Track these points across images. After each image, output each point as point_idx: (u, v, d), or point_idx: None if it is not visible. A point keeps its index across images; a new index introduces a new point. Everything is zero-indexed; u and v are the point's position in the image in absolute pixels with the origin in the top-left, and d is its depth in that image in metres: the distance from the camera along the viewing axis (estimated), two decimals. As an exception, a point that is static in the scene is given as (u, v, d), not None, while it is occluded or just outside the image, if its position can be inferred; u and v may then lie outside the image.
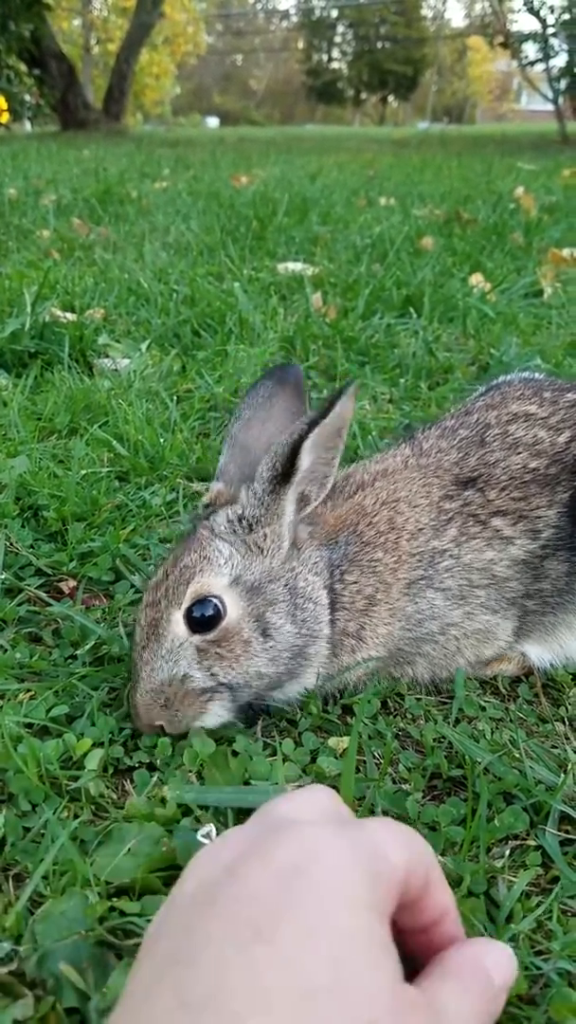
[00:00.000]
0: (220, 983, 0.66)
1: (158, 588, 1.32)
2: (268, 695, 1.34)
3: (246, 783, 1.20)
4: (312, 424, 1.25)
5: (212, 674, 1.27)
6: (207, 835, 1.00)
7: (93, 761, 1.22)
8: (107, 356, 2.99)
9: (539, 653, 1.51)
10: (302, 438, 1.26)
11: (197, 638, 1.28)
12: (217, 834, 1.00)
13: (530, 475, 1.46)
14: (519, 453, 1.49)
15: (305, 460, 1.29)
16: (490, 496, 1.44)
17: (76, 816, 1.15)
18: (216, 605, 1.28)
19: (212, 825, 1.03)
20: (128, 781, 1.23)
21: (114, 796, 1.21)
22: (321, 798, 0.85)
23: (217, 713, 1.30)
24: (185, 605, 1.28)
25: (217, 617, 1.27)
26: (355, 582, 1.39)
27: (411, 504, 1.44)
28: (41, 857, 1.05)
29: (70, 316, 3.22)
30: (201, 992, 0.66)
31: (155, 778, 1.22)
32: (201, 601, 1.27)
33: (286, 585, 1.33)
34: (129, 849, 1.05)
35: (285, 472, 1.29)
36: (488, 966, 0.80)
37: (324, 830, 0.76)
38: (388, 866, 0.75)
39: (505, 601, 1.44)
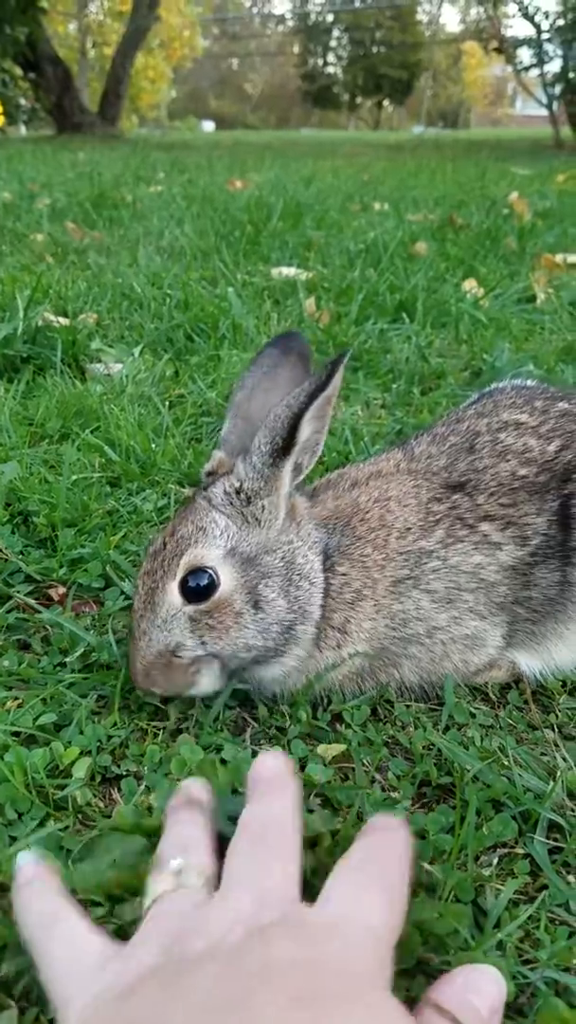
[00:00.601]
0: None
1: (156, 557, 1.34)
2: (253, 667, 1.36)
3: (235, 791, 1.20)
4: (312, 396, 1.25)
5: (203, 643, 1.30)
6: (176, 869, 0.94)
7: (80, 770, 1.22)
8: (100, 361, 2.99)
9: (528, 661, 1.50)
10: (303, 410, 1.26)
11: (190, 608, 1.30)
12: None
13: (519, 482, 1.46)
14: (508, 460, 1.49)
15: (305, 431, 1.30)
16: (478, 501, 1.45)
17: (65, 826, 1.14)
18: (210, 576, 1.30)
19: (182, 859, 1.01)
20: (116, 790, 1.23)
21: (101, 805, 1.20)
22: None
23: (207, 680, 1.34)
24: (179, 576, 1.30)
25: (211, 588, 1.30)
26: (345, 574, 1.39)
27: (401, 504, 1.45)
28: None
29: (63, 320, 3.21)
30: None
31: (143, 786, 1.21)
32: (195, 572, 1.30)
33: (283, 558, 1.34)
34: (114, 860, 1.04)
35: (285, 445, 1.30)
36: (470, 996, 0.81)
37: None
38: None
39: (494, 607, 1.44)
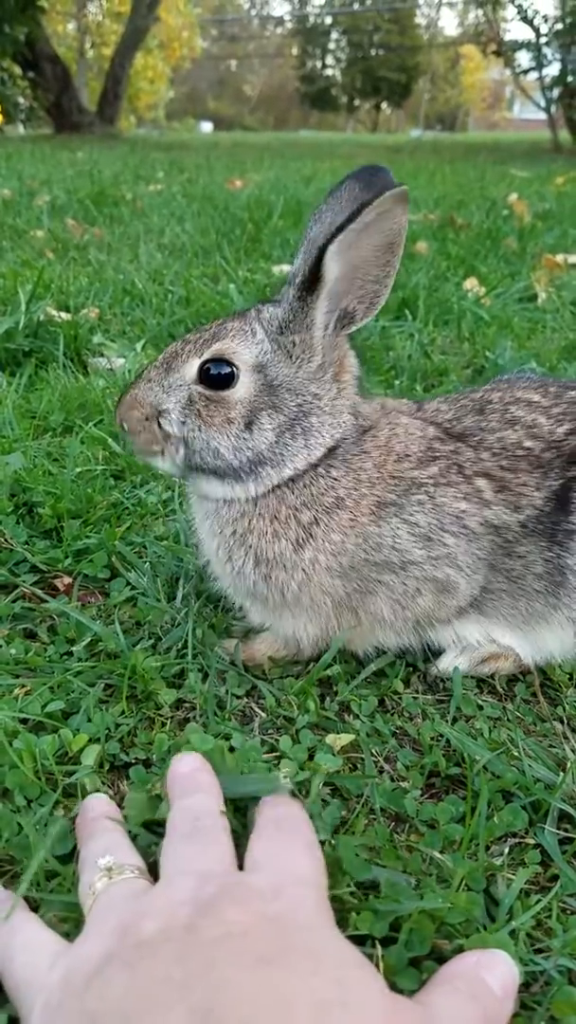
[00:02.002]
0: (239, 995, 0.68)
1: (199, 332, 1.38)
2: (204, 477, 1.37)
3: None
4: (338, 229, 1.22)
5: (184, 423, 1.33)
6: (107, 865, 0.96)
7: (89, 757, 1.21)
8: (102, 355, 2.99)
9: (522, 647, 1.50)
10: (328, 242, 1.23)
11: (198, 388, 1.33)
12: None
13: (523, 452, 1.46)
14: (516, 430, 1.48)
15: (332, 268, 1.26)
16: (481, 455, 1.44)
17: (71, 813, 1.14)
18: (233, 373, 1.32)
19: (110, 856, 0.98)
20: (124, 777, 1.22)
21: (110, 792, 1.20)
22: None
23: (167, 463, 1.38)
24: (206, 356, 1.33)
25: (226, 383, 1.32)
26: (335, 479, 1.38)
27: (407, 432, 1.45)
28: (39, 851, 1.04)
29: (65, 315, 3.21)
30: (220, 1004, 0.68)
31: (152, 773, 1.21)
32: (220, 362, 1.32)
33: (299, 405, 1.35)
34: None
35: (312, 279, 1.28)
36: (482, 972, 0.82)
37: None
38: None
39: (473, 560, 1.42)
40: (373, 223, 1.24)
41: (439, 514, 1.39)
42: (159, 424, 1.35)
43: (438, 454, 1.43)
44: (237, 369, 1.32)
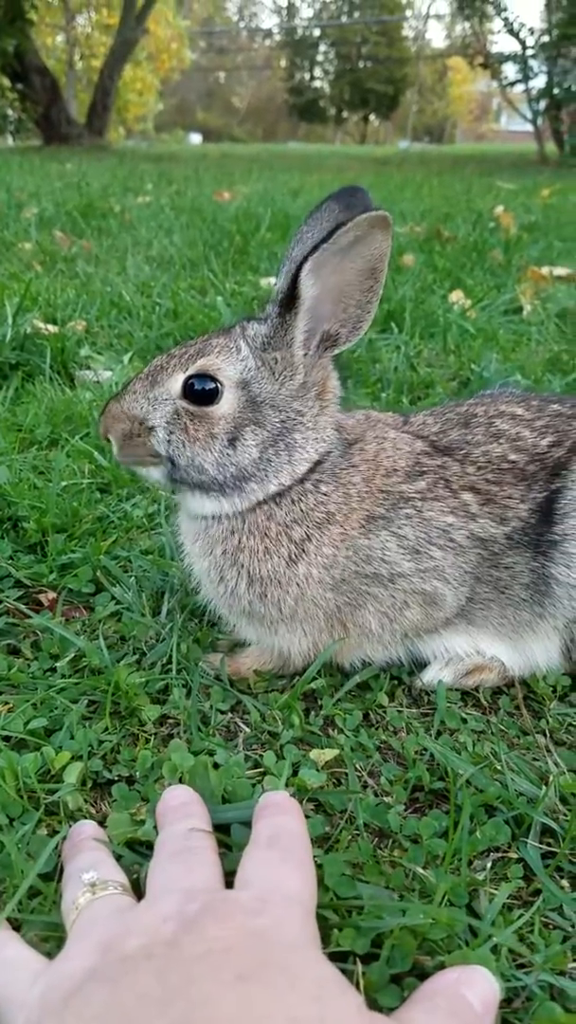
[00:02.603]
0: (217, 1012, 0.69)
1: (184, 347, 1.40)
2: (190, 492, 1.39)
3: (224, 798, 1.19)
4: (313, 248, 1.24)
5: (169, 441, 1.35)
6: (91, 881, 0.97)
7: (72, 774, 1.21)
8: (88, 368, 2.99)
9: (508, 655, 1.51)
10: (302, 263, 1.26)
11: (183, 403, 1.35)
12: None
13: (508, 465, 1.47)
14: (500, 443, 1.50)
15: (307, 288, 1.28)
16: (467, 469, 1.46)
17: (54, 832, 1.13)
18: (217, 388, 1.33)
19: (94, 872, 0.99)
20: (108, 795, 1.22)
21: (92, 810, 1.19)
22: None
23: (156, 475, 1.40)
24: (191, 371, 1.34)
25: (211, 398, 1.33)
26: (325, 494, 1.39)
27: (396, 447, 1.47)
28: (21, 871, 1.04)
29: (52, 328, 3.21)
30: (198, 1021, 0.68)
31: (135, 791, 1.21)
32: (205, 377, 1.33)
33: (282, 421, 1.36)
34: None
35: (289, 297, 1.30)
36: (462, 989, 0.83)
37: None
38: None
39: (460, 574, 1.43)
40: (353, 247, 1.25)
41: (427, 528, 1.41)
42: (147, 441, 1.36)
43: (425, 468, 1.45)
44: (221, 385, 1.33)
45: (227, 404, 1.34)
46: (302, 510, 1.38)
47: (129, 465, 1.43)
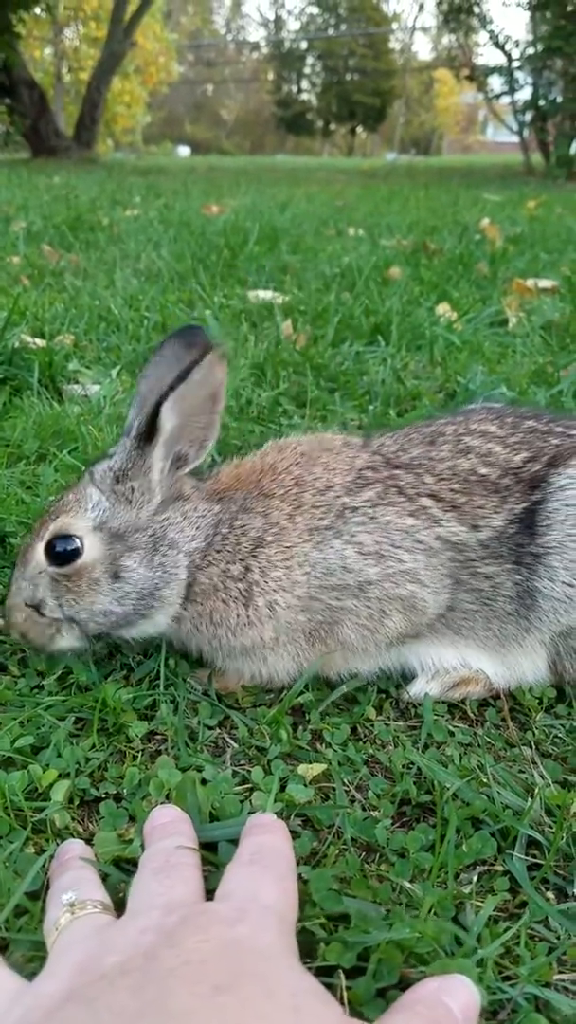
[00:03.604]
0: None
1: (39, 520, 1.46)
2: (118, 631, 1.44)
3: (212, 814, 1.19)
4: (172, 386, 1.35)
5: (60, 605, 1.40)
6: (70, 901, 0.97)
7: (59, 792, 1.21)
8: (77, 382, 2.99)
9: (495, 669, 1.52)
10: (162, 399, 1.35)
11: (53, 570, 1.40)
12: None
13: (477, 478, 1.49)
14: (468, 458, 1.52)
15: (167, 421, 1.38)
16: (425, 480, 1.49)
17: (41, 850, 1.14)
18: (76, 544, 1.39)
19: (73, 893, 0.99)
20: (95, 812, 1.22)
21: (80, 828, 1.19)
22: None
23: (68, 640, 1.44)
24: (47, 538, 1.41)
25: (75, 555, 1.39)
26: (243, 525, 1.45)
27: (327, 468, 1.51)
28: (8, 889, 1.04)
29: (40, 342, 3.21)
30: None
31: (122, 808, 1.21)
32: (62, 537, 1.39)
33: (152, 535, 1.43)
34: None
35: (148, 430, 1.38)
36: (443, 997, 0.83)
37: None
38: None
39: (435, 575, 1.45)
40: (199, 379, 1.35)
41: (386, 532, 1.43)
42: (41, 614, 1.42)
43: (370, 480, 1.48)
44: (79, 538, 1.39)
45: (92, 551, 1.40)
46: (229, 550, 1.44)
47: (40, 648, 1.46)
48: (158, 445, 1.40)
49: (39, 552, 1.41)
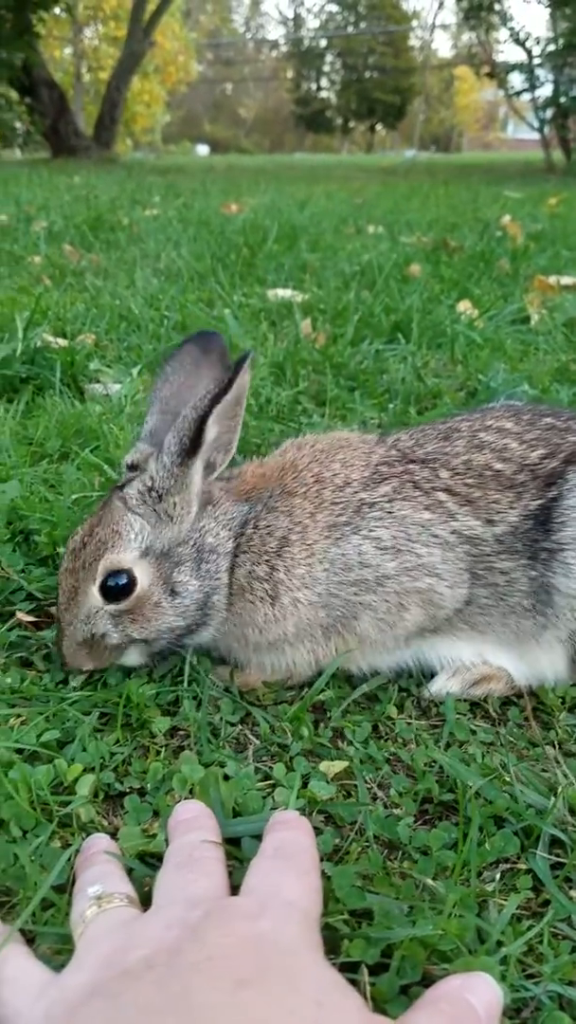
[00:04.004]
0: (216, 1020, 0.70)
1: (76, 556, 1.42)
2: (180, 642, 1.46)
3: (235, 810, 1.20)
4: (215, 399, 1.34)
5: (126, 634, 1.40)
6: (97, 894, 0.98)
7: (84, 787, 1.22)
8: (98, 381, 3.01)
9: (515, 665, 1.52)
10: (207, 413, 1.34)
11: (111, 607, 1.39)
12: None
13: (492, 473, 1.49)
14: (484, 453, 1.52)
15: (211, 433, 1.38)
16: (440, 474, 1.49)
17: (67, 844, 1.15)
18: (128, 576, 1.38)
19: (100, 886, 1.00)
20: (119, 807, 1.23)
21: (104, 823, 1.21)
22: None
23: (134, 657, 1.45)
24: (99, 580, 1.38)
25: (130, 587, 1.39)
26: (268, 525, 1.45)
27: (345, 464, 1.52)
28: (34, 883, 1.05)
29: (61, 342, 3.23)
30: None
31: (146, 803, 1.22)
32: (113, 574, 1.38)
33: (194, 545, 1.43)
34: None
35: (192, 445, 1.37)
36: (466, 994, 0.83)
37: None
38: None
39: (452, 566, 1.45)
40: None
41: (403, 526, 1.44)
42: (107, 642, 1.41)
43: (386, 475, 1.49)
44: (130, 571, 1.39)
45: (146, 577, 1.40)
46: (256, 552, 1.44)
47: (112, 665, 1.47)
48: (199, 458, 1.39)
49: (94, 594, 1.39)
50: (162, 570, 1.40)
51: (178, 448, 1.38)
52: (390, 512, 1.44)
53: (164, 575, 1.40)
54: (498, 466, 1.50)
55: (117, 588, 1.38)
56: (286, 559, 1.43)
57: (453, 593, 1.46)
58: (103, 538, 1.40)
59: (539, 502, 1.47)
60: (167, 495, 1.41)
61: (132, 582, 1.38)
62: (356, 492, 1.46)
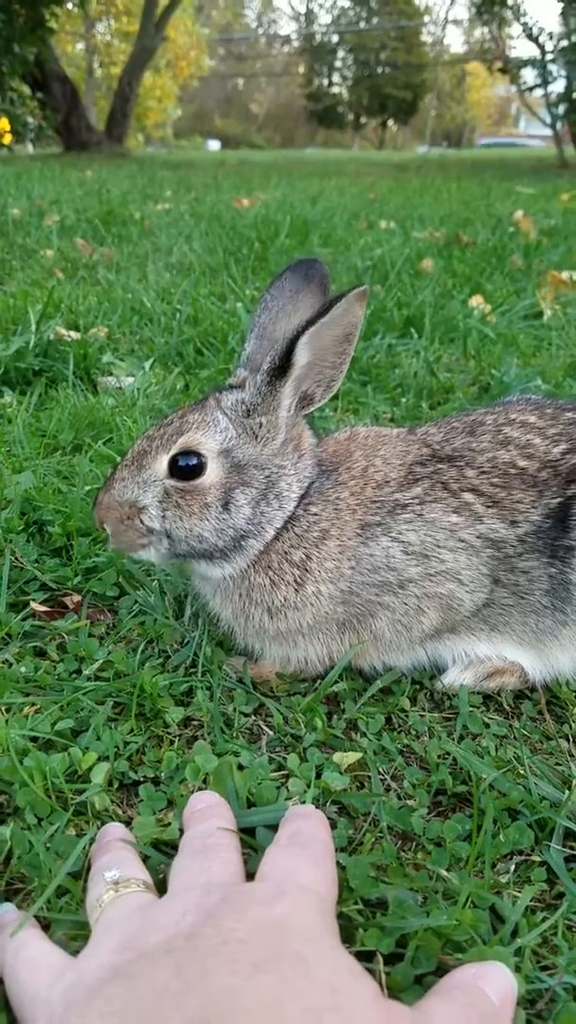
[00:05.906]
0: (233, 1004, 0.70)
1: (161, 427, 1.43)
2: (195, 560, 1.44)
3: (249, 800, 1.20)
4: (308, 323, 1.31)
5: (164, 517, 1.39)
6: (114, 879, 0.99)
7: (99, 775, 1.22)
8: (111, 374, 3.02)
9: (532, 663, 1.51)
10: (297, 336, 1.32)
11: (171, 482, 1.39)
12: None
13: (516, 471, 1.48)
14: (508, 450, 1.51)
15: (301, 357, 1.35)
16: (467, 474, 1.48)
17: (81, 832, 1.15)
18: (201, 462, 1.39)
19: (117, 871, 1.00)
20: (134, 795, 1.24)
21: (119, 811, 1.21)
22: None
23: (153, 554, 1.44)
24: (173, 452, 1.39)
25: (196, 472, 1.39)
26: (316, 514, 1.44)
27: (386, 461, 1.51)
28: (49, 870, 1.06)
29: (74, 335, 3.24)
30: (214, 1014, 0.69)
31: (160, 791, 1.22)
32: (188, 453, 1.38)
33: (267, 477, 1.42)
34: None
35: (282, 366, 1.36)
36: (480, 983, 0.84)
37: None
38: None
39: (475, 572, 1.45)
40: (337, 316, 1.32)
41: (432, 530, 1.43)
42: (140, 520, 1.40)
43: (419, 476, 1.48)
44: (204, 458, 1.38)
45: (213, 474, 1.39)
46: (297, 534, 1.43)
47: (124, 551, 1.46)
48: (289, 382, 1.38)
49: (162, 461, 1.39)
50: (230, 480, 1.39)
51: (268, 368, 1.38)
52: (420, 515, 1.44)
53: (228, 486, 1.39)
54: (522, 463, 1.49)
55: (186, 468, 1.38)
56: (322, 551, 1.42)
57: (472, 597, 1.46)
58: (192, 420, 1.41)
59: (559, 499, 1.46)
60: (255, 412, 1.41)
61: (201, 468, 1.38)
62: (393, 492, 1.46)
